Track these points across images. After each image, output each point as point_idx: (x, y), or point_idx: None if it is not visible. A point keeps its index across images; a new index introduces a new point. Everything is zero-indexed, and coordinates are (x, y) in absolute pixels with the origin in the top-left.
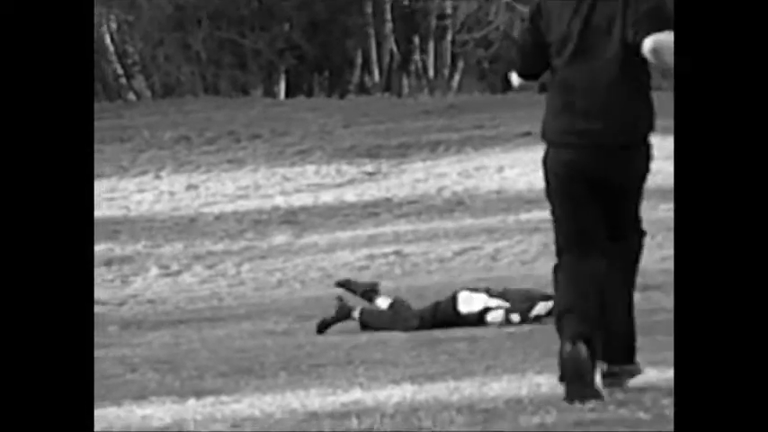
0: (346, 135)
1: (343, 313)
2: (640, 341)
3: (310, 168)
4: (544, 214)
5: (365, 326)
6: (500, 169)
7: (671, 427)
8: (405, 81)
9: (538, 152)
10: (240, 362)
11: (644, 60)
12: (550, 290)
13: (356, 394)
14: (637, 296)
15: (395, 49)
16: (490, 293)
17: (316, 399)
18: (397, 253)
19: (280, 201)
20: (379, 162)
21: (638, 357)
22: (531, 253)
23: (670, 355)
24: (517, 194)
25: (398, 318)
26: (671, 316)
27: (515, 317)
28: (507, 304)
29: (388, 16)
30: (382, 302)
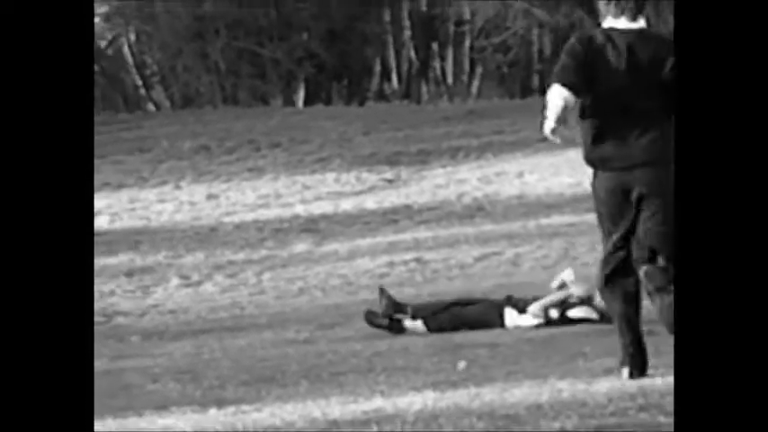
0: (366, 142)
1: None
2: (660, 344)
3: (330, 176)
4: (564, 219)
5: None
6: (520, 174)
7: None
8: (424, 88)
9: (557, 157)
10: (261, 371)
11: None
12: None
13: (377, 402)
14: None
15: (413, 55)
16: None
17: (336, 407)
18: (417, 260)
19: (300, 209)
20: (398, 169)
21: (661, 360)
22: (552, 258)
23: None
24: (537, 199)
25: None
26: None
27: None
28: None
29: (407, 23)
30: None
